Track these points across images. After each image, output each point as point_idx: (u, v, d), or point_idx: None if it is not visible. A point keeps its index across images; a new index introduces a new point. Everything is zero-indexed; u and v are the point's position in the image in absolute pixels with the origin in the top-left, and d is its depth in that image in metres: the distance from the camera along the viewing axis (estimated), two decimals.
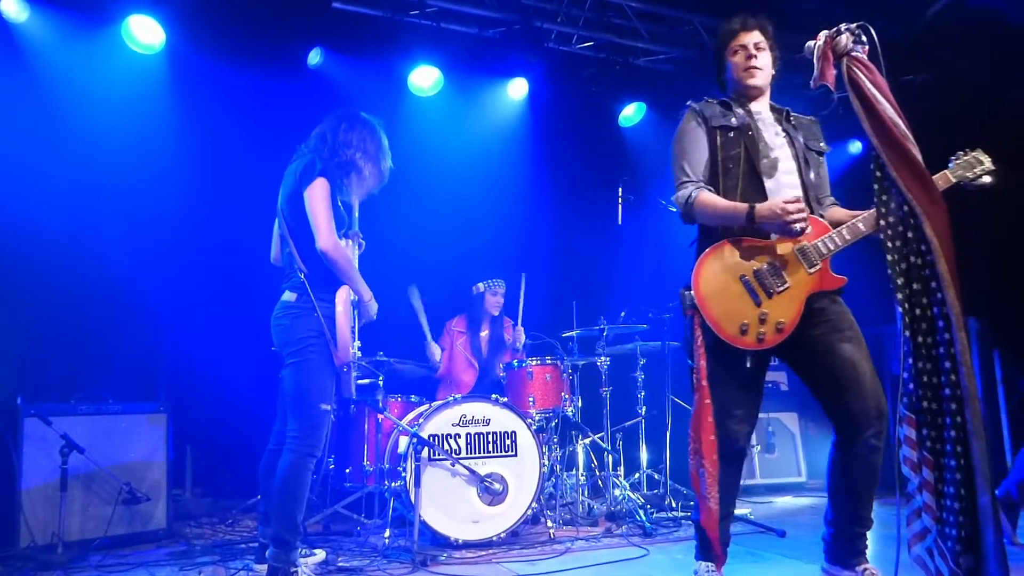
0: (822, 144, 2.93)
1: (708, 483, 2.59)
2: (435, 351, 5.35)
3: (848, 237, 2.66)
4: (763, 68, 2.86)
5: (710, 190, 2.74)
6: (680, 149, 2.85)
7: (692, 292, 2.66)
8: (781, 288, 2.63)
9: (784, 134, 2.85)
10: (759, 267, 2.65)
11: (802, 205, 2.57)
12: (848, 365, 2.63)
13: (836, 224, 2.74)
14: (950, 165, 2.74)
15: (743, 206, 2.62)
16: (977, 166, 2.70)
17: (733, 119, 2.81)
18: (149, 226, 5.18)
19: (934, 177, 2.71)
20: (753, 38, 2.87)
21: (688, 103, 2.91)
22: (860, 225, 2.67)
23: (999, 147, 2.72)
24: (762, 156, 2.77)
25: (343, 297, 3.08)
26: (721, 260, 2.68)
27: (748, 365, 2.65)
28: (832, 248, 2.66)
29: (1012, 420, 5.21)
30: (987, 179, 2.69)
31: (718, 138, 2.79)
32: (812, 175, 2.81)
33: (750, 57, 2.85)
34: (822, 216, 2.79)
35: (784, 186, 2.75)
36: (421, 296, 5.26)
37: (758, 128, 2.81)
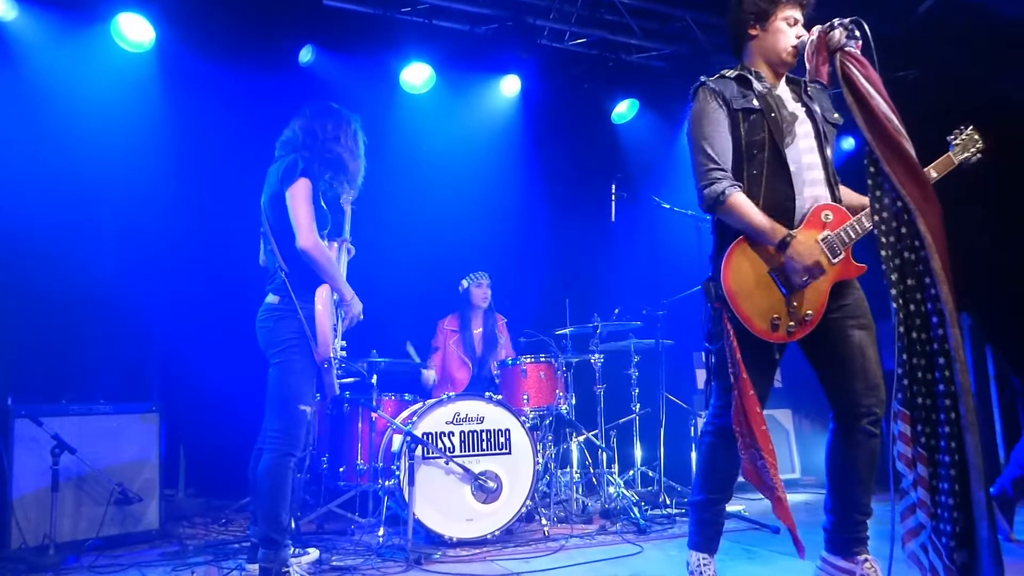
0: (836, 115, 2.81)
1: (771, 473, 2.54)
2: (428, 377, 5.34)
3: (867, 225, 2.61)
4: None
5: (740, 187, 2.62)
6: (701, 133, 2.67)
7: (720, 285, 2.60)
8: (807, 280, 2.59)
9: (804, 107, 2.74)
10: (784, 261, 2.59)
11: (825, 269, 2.54)
12: (858, 352, 2.62)
13: (850, 209, 2.70)
14: (951, 147, 2.75)
15: (779, 233, 2.54)
16: (973, 145, 2.73)
17: (755, 100, 2.66)
18: (139, 225, 5.15)
19: (938, 161, 2.74)
20: (801, 16, 2.71)
21: (702, 79, 2.74)
22: None
23: (990, 144, 2.72)
24: (786, 138, 2.65)
25: (323, 295, 3.09)
26: (747, 255, 2.62)
27: (777, 356, 2.65)
28: (854, 236, 2.63)
29: (1004, 415, 5.23)
30: (979, 157, 2.73)
31: (741, 122, 2.65)
32: (829, 151, 2.72)
33: (799, 36, 2.66)
34: (839, 200, 2.71)
35: (807, 168, 2.66)
36: (402, 328, 5.20)
37: (779, 107, 2.69)
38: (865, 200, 2.70)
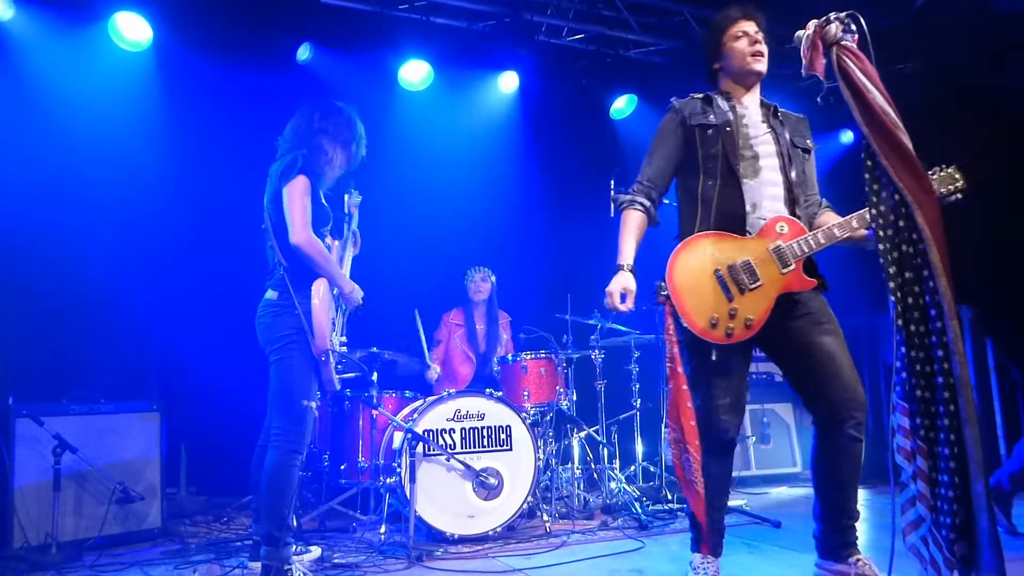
0: (809, 141, 2.92)
1: (693, 467, 2.60)
2: (432, 373, 5.33)
3: (823, 241, 2.68)
4: (765, 55, 2.85)
5: (644, 209, 2.87)
6: (652, 148, 2.95)
7: (665, 282, 2.69)
8: (753, 285, 2.65)
9: (770, 130, 2.83)
10: (733, 263, 2.66)
11: (618, 305, 2.82)
12: (827, 357, 2.66)
13: (814, 227, 2.76)
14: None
15: (622, 260, 2.86)
16: (951, 183, 2.70)
17: (712, 116, 2.81)
18: (139, 224, 5.15)
19: None
20: (753, 27, 2.86)
21: (672, 100, 2.93)
22: (835, 231, 2.68)
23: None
24: (740, 153, 2.76)
25: (319, 289, 3.09)
26: (696, 253, 2.71)
27: (713, 358, 2.67)
28: (806, 250, 2.68)
29: (1004, 408, 5.23)
30: (958, 197, 2.69)
31: (697, 137, 2.81)
32: (795, 173, 2.80)
33: (755, 42, 2.83)
34: (799, 217, 2.77)
35: (766, 184, 2.76)
36: (421, 316, 5.18)
37: (739, 125, 2.80)
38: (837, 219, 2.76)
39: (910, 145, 2.21)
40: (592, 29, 6.08)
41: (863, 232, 2.66)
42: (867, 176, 2.26)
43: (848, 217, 2.68)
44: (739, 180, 2.74)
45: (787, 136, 2.85)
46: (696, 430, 2.60)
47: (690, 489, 2.63)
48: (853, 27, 2.37)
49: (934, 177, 2.74)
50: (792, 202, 2.78)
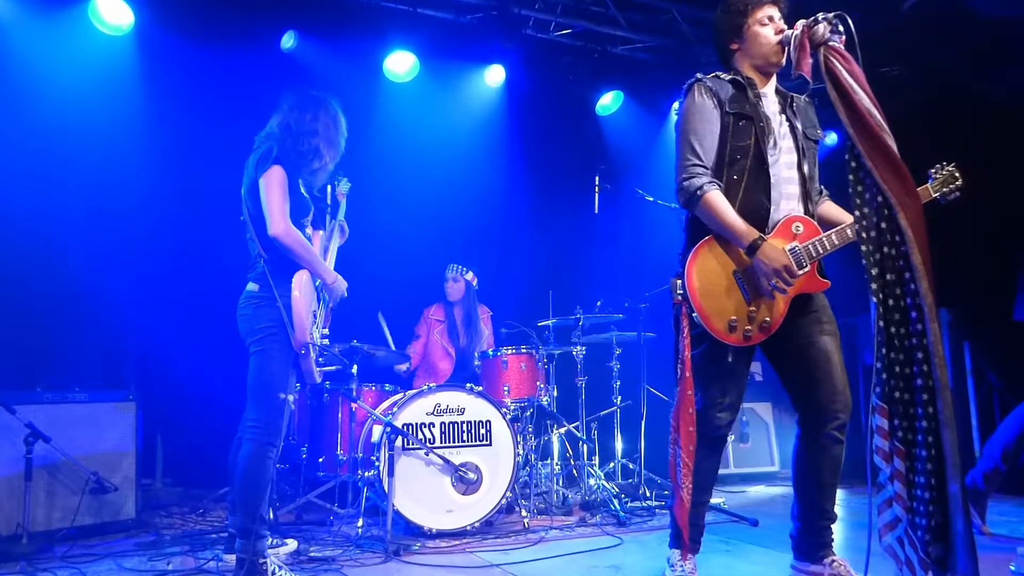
0: (818, 131, 2.85)
1: (683, 473, 2.60)
2: (402, 366, 5.32)
3: (836, 242, 2.66)
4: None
5: (720, 186, 2.62)
6: (691, 127, 2.68)
7: (683, 282, 2.62)
8: None
9: (787, 122, 2.76)
10: (751, 265, 2.61)
11: (795, 276, 2.55)
12: (823, 357, 2.65)
13: (824, 222, 2.74)
14: (930, 180, 2.79)
15: (751, 236, 2.55)
16: (952, 182, 2.76)
17: (747, 105, 2.68)
18: (117, 211, 5.08)
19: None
20: (778, 13, 2.73)
21: (698, 75, 2.74)
22: (848, 231, 2.66)
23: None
24: (770, 149, 2.67)
25: (300, 281, 3.07)
26: (715, 253, 2.65)
27: (730, 359, 2.64)
28: (821, 252, 2.66)
29: (980, 411, 5.28)
30: (957, 195, 2.76)
31: (731, 125, 2.66)
32: (807, 167, 2.74)
33: (780, 31, 2.69)
34: (811, 214, 2.74)
35: (784, 180, 2.70)
36: (386, 318, 5.16)
37: (767, 117, 2.71)
38: (842, 213, 2.74)
39: (895, 147, 2.21)
40: (579, 24, 6.06)
41: None
42: (851, 177, 2.26)
43: None
44: (768, 177, 2.66)
45: (800, 128, 2.77)
46: (694, 436, 2.59)
47: (677, 492, 2.63)
48: (841, 28, 2.37)
49: (937, 176, 2.76)
50: (806, 197, 2.73)
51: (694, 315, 2.60)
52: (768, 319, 2.61)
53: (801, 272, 2.63)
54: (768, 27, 2.71)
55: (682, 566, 2.72)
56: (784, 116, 2.77)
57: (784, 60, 2.69)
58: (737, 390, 2.73)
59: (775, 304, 2.63)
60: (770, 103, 2.76)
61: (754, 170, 2.66)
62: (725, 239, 2.63)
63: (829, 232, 2.67)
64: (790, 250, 2.62)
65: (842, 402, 2.63)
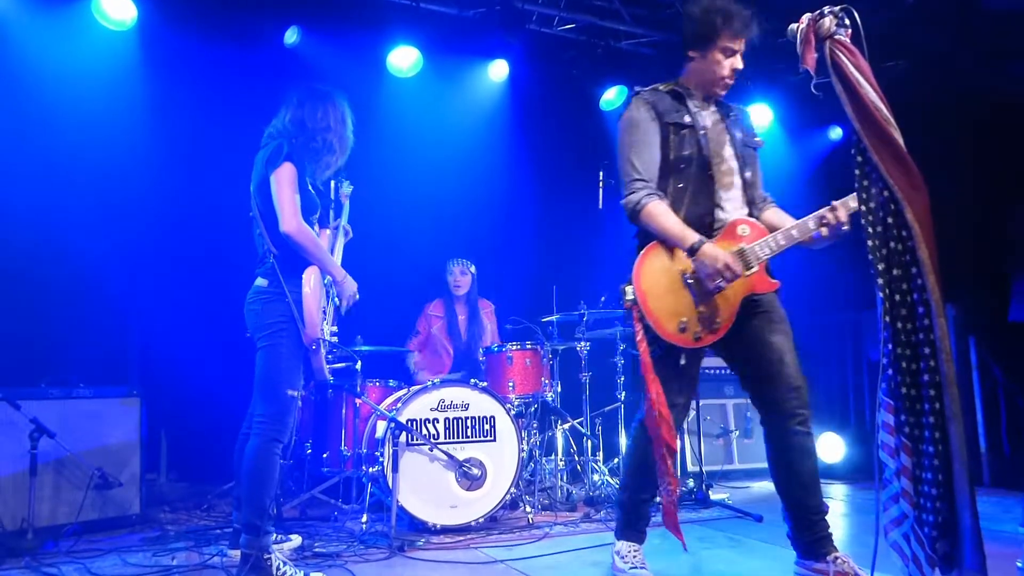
0: (757, 138, 2.93)
1: (668, 476, 2.65)
2: (412, 362, 5.36)
3: (783, 243, 2.71)
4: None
5: (660, 197, 2.71)
6: (630, 141, 2.78)
7: (632, 287, 2.67)
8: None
9: (727, 131, 2.84)
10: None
11: (739, 273, 2.60)
12: (776, 356, 2.69)
13: (771, 228, 2.77)
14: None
15: (691, 239, 2.62)
16: None
17: (687, 116, 2.78)
18: (120, 207, 5.07)
19: None
20: (742, 47, 2.81)
21: (636, 89, 2.86)
22: (794, 232, 2.71)
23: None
24: (714, 157, 2.76)
25: (310, 278, 3.07)
26: (663, 257, 2.71)
27: (682, 361, 2.68)
28: (768, 253, 2.71)
29: (986, 406, 5.27)
30: None
31: (671, 136, 2.76)
32: (748, 174, 2.83)
33: (735, 68, 2.80)
34: (757, 217, 2.81)
35: (726, 187, 2.78)
36: (388, 313, 5.18)
37: (706, 126, 2.79)
38: (787, 220, 2.78)
39: (901, 141, 2.19)
40: (583, 19, 6.03)
41: (824, 231, 2.66)
42: (857, 172, 2.25)
43: (805, 219, 2.70)
44: (713, 185, 2.75)
45: (739, 136, 2.85)
46: (673, 437, 2.64)
47: (663, 496, 2.68)
48: (847, 21, 2.35)
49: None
50: (749, 203, 2.82)
51: (645, 319, 2.64)
52: (718, 320, 2.66)
53: (749, 272, 2.68)
54: (727, 60, 2.78)
55: (632, 555, 2.82)
56: (723, 125, 2.85)
57: (724, 93, 2.82)
58: (690, 390, 2.82)
59: (726, 305, 2.67)
60: (709, 113, 2.84)
61: (697, 178, 2.75)
62: (669, 244, 2.70)
63: (775, 233, 2.72)
64: (737, 251, 2.67)
65: (799, 399, 2.66)
